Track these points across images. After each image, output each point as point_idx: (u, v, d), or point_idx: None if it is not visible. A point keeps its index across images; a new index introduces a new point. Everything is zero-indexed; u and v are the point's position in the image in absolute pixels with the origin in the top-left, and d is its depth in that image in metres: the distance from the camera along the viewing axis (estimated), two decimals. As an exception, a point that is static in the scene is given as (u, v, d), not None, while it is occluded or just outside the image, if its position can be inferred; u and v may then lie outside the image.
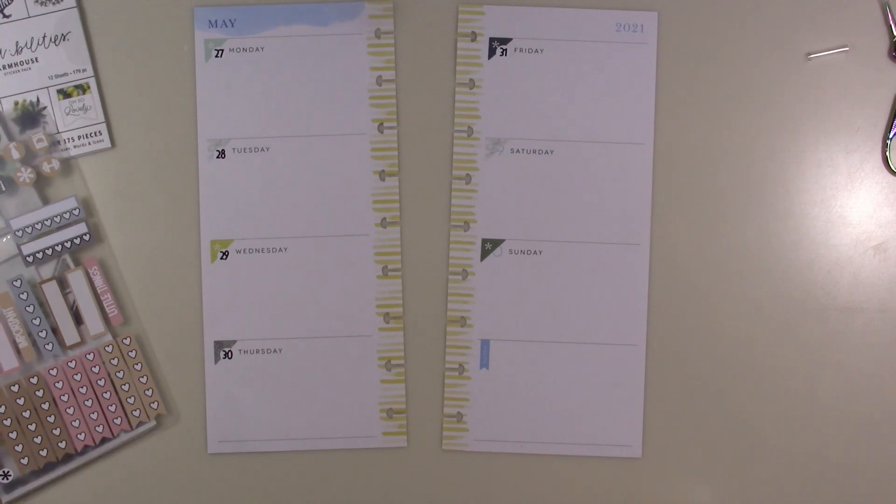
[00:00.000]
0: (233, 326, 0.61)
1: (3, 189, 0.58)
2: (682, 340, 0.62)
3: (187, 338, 0.61)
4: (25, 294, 0.58)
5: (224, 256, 0.61)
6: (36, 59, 0.61)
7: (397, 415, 0.62)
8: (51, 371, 0.58)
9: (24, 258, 0.58)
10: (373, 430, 0.62)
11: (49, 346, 0.58)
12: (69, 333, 0.58)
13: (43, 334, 0.58)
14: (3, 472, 0.57)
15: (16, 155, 0.58)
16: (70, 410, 0.58)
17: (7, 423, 0.57)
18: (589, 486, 0.61)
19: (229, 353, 0.61)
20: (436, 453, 0.62)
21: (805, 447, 0.62)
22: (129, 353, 0.59)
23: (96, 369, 0.58)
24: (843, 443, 0.62)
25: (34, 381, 0.57)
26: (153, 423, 0.60)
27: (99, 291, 0.59)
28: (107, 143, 0.61)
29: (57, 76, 0.61)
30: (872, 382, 0.62)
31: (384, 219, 0.62)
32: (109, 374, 0.59)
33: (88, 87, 0.61)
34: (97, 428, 0.58)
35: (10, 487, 0.58)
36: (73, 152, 0.60)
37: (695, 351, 0.62)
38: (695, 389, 0.62)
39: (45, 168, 0.59)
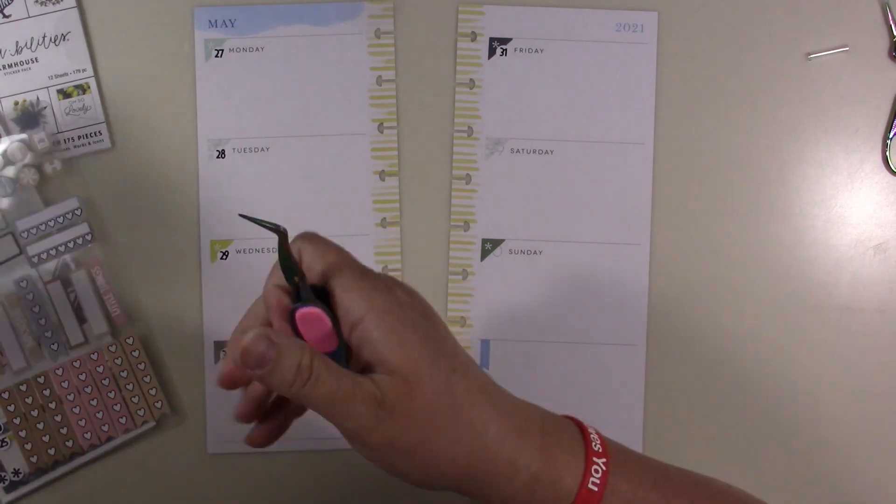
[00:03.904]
0: (233, 327, 0.68)
1: (10, 191, 0.66)
2: (682, 340, 0.67)
3: (187, 338, 0.67)
4: (31, 294, 0.65)
5: (224, 256, 0.67)
6: (36, 59, 0.67)
7: (397, 415, 0.68)
8: (56, 371, 0.65)
9: (30, 259, 0.65)
10: (373, 430, 0.68)
11: (54, 346, 0.65)
12: (73, 333, 0.65)
13: (49, 334, 0.65)
14: (14, 469, 0.65)
15: (21, 156, 0.66)
16: (76, 410, 0.65)
17: (17, 421, 0.64)
18: (589, 485, 0.68)
19: (229, 354, 0.68)
20: (436, 453, 0.69)
21: (805, 447, 0.67)
22: (133, 353, 0.66)
23: (100, 369, 0.65)
24: (843, 443, 0.67)
25: (41, 380, 0.64)
26: (153, 423, 0.66)
27: (101, 291, 0.66)
28: (107, 143, 0.67)
29: (57, 76, 0.67)
30: (872, 382, 0.67)
31: (384, 219, 0.68)
32: (113, 374, 0.65)
33: (88, 87, 0.68)
34: (103, 427, 0.65)
35: (11, 487, 0.65)
36: (73, 152, 0.66)
37: (695, 351, 0.67)
38: (695, 390, 0.67)
39: (48, 168, 0.66)
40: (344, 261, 0.46)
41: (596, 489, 0.45)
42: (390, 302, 0.46)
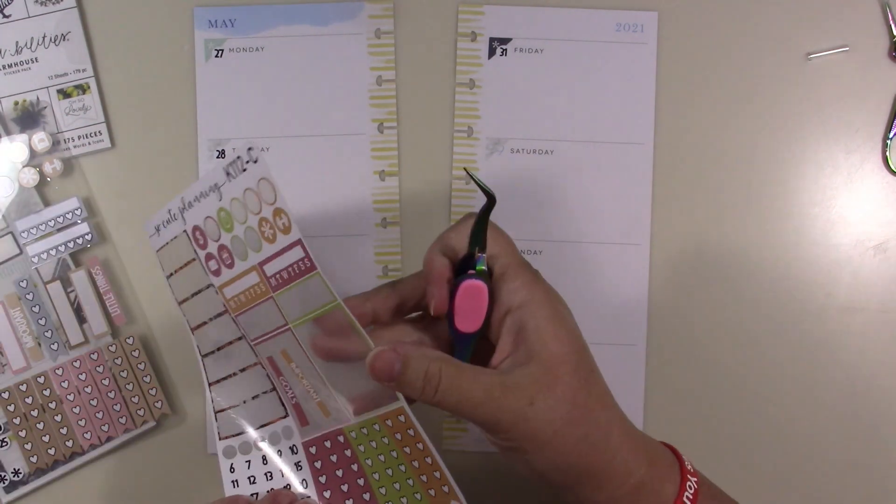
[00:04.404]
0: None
1: (10, 191, 0.66)
2: (682, 340, 0.67)
3: (187, 338, 0.67)
4: (31, 294, 0.65)
5: (224, 256, 0.68)
6: (36, 59, 0.67)
7: (397, 415, 0.69)
8: (56, 371, 0.65)
9: (30, 259, 0.65)
10: (373, 430, 0.69)
11: (54, 346, 0.65)
12: (73, 333, 0.66)
13: (48, 334, 0.65)
14: (14, 469, 0.65)
15: (21, 156, 0.66)
16: (76, 410, 0.65)
17: (17, 421, 0.64)
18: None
19: (229, 353, 0.68)
20: (436, 453, 0.69)
21: (805, 447, 0.67)
22: (133, 353, 0.66)
23: (100, 369, 0.66)
24: (842, 443, 0.67)
25: (41, 380, 0.65)
26: (153, 423, 0.66)
27: (101, 291, 0.66)
28: (107, 143, 0.67)
29: (57, 76, 0.67)
30: (872, 382, 0.67)
31: (384, 219, 0.68)
32: (113, 374, 0.66)
33: (88, 87, 0.68)
34: (103, 427, 0.65)
35: (11, 487, 0.65)
36: (73, 152, 0.67)
37: (695, 351, 0.67)
38: (695, 389, 0.67)
39: (48, 169, 0.66)
40: (510, 248, 0.49)
41: (689, 503, 0.48)
42: (550, 295, 0.48)
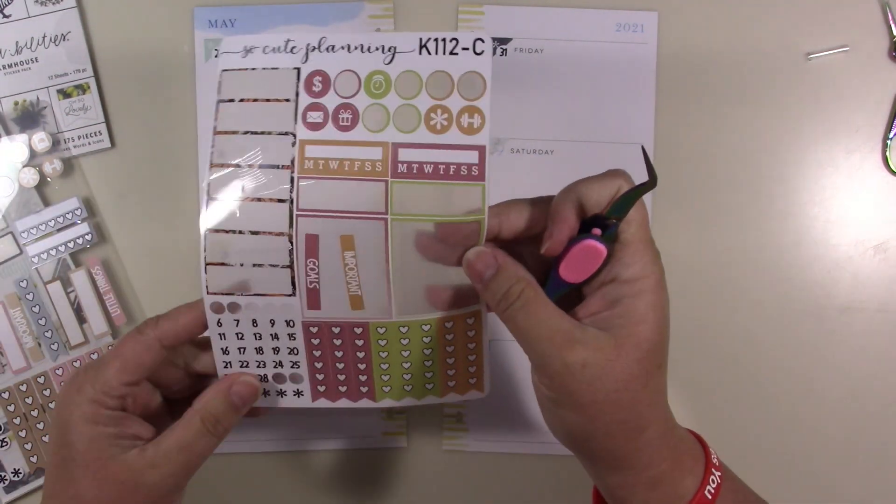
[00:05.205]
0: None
1: (10, 191, 0.66)
2: (681, 340, 0.66)
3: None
4: (31, 294, 0.65)
5: (224, 256, 0.68)
6: (36, 59, 0.67)
7: (397, 415, 0.67)
8: (57, 371, 0.65)
9: (30, 259, 0.65)
10: (373, 429, 0.67)
11: (55, 346, 0.65)
12: (74, 333, 0.66)
13: (48, 334, 0.65)
14: (14, 469, 0.65)
15: (21, 156, 0.66)
16: (76, 409, 0.65)
17: (17, 421, 0.64)
18: (590, 486, 0.67)
19: (229, 353, 0.68)
20: (436, 453, 0.68)
21: (804, 447, 0.67)
22: (133, 353, 0.66)
23: (101, 369, 0.66)
24: (842, 443, 0.67)
25: (41, 380, 0.65)
26: (153, 423, 0.67)
27: (101, 291, 0.66)
28: (107, 143, 0.67)
29: (57, 76, 0.67)
30: (872, 382, 0.67)
31: (384, 218, 0.69)
32: (114, 374, 0.66)
33: (88, 87, 0.68)
34: (102, 426, 0.66)
35: (11, 487, 0.65)
36: (73, 152, 0.67)
37: (694, 351, 0.67)
38: (694, 389, 0.67)
39: (48, 169, 0.66)
40: (644, 222, 0.48)
41: (710, 497, 0.48)
42: (660, 282, 0.48)
